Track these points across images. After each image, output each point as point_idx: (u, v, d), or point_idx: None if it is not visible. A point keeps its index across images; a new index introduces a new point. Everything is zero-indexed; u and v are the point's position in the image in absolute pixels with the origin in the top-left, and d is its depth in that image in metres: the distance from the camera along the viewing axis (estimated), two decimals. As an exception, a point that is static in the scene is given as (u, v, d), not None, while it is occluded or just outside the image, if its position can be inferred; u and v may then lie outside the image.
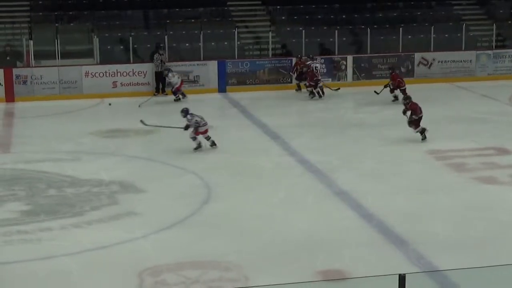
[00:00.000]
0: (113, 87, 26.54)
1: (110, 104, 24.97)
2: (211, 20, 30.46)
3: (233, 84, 27.32)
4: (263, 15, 31.39)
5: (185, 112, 19.08)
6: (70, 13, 30.02)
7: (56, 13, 29.63)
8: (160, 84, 26.55)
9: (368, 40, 28.86)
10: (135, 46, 28.00)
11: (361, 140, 19.84)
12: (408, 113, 19.45)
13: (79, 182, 16.49)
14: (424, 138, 19.28)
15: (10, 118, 23.87)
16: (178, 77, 25.62)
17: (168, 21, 30.00)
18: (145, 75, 26.92)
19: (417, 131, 19.32)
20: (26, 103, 25.38)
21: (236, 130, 21.64)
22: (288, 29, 30.28)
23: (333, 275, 11.52)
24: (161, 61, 26.53)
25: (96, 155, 18.90)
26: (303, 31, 28.82)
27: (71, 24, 30.02)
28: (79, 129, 21.69)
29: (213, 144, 18.98)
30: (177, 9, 30.37)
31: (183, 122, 18.93)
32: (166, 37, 27.84)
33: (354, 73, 28.08)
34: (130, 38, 27.76)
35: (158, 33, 29.03)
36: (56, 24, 29.18)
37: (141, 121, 19.87)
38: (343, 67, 28.19)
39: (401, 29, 29.29)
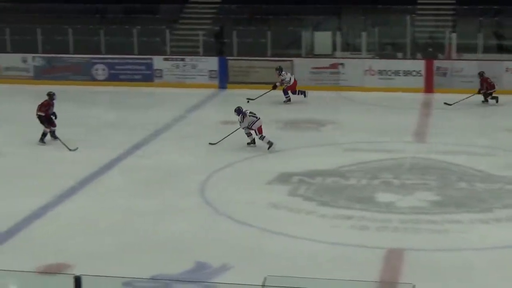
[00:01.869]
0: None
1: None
2: None
3: None
4: None
5: (237, 111, 18.70)
6: (495, 7, 29.72)
7: (481, 6, 29.49)
8: None
9: None
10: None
11: None
12: None
13: (492, 178, 16.33)
14: None
15: (428, 109, 24.27)
16: (292, 75, 24.65)
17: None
18: None
19: None
20: (445, 95, 25.60)
21: None
22: None
23: None
24: None
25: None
26: None
27: (496, 18, 29.74)
28: (495, 124, 21.50)
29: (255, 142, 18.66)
30: None
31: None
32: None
33: None
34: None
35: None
36: (480, 18, 29.09)
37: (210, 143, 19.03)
38: None
39: None
